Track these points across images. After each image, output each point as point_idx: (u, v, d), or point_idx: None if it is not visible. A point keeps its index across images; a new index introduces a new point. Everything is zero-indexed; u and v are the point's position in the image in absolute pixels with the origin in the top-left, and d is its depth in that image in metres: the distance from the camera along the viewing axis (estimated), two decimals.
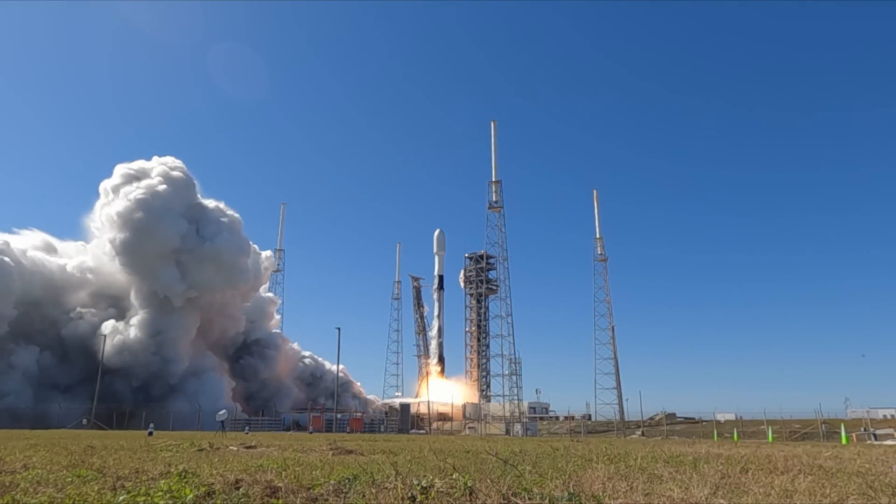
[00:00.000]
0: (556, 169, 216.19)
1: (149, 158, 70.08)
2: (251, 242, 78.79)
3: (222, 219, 70.71)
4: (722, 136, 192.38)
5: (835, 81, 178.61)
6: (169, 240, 63.03)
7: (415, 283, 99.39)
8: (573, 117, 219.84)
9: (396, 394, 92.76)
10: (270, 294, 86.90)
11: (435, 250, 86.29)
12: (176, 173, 69.94)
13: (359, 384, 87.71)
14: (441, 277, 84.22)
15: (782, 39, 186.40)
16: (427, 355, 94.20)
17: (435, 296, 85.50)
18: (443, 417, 70.39)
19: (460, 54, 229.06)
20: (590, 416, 78.96)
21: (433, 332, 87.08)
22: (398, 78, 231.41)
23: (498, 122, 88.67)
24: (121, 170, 67.11)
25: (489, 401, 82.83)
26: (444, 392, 77.73)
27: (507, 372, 79.26)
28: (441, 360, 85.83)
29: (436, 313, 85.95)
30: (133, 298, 63.84)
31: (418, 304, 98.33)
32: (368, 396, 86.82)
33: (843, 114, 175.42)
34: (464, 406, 75.48)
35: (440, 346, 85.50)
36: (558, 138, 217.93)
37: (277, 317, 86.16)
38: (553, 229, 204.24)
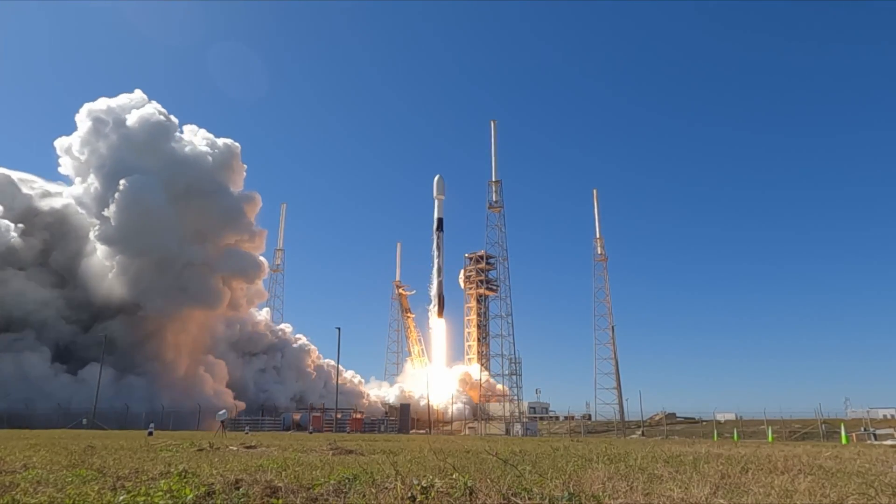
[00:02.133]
0: (556, 169, 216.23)
1: None
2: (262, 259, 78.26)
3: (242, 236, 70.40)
4: (723, 136, 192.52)
5: (837, 80, 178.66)
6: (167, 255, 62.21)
7: (400, 291, 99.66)
8: (573, 117, 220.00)
9: (374, 379, 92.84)
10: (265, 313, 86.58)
11: (435, 194, 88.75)
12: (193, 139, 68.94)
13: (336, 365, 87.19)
14: (441, 220, 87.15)
15: (785, 40, 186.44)
16: (421, 355, 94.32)
17: (435, 237, 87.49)
18: (442, 421, 70.21)
19: (461, 54, 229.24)
20: (590, 416, 79.02)
21: (433, 272, 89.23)
22: (398, 77, 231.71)
23: (498, 122, 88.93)
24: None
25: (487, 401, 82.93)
26: (442, 384, 78.17)
27: (507, 372, 79.37)
28: (440, 299, 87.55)
29: (435, 254, 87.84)
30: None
31: (404, 310, 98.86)
32: (324, 364, 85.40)
33: (845, 113, 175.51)
34: (469, 403, 74.79)
35: (440, 284, 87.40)
36: (558, 139, 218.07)
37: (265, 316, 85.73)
38: (553, 229, 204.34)
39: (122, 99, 69.02)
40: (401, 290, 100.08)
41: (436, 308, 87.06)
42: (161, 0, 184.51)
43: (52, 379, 56.75)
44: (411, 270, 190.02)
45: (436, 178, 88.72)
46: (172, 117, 70.87)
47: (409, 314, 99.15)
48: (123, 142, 64.88)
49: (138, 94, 70.01)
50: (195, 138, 72.23)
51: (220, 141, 73.37)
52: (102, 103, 67.35)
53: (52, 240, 64.74)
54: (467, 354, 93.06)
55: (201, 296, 64.24)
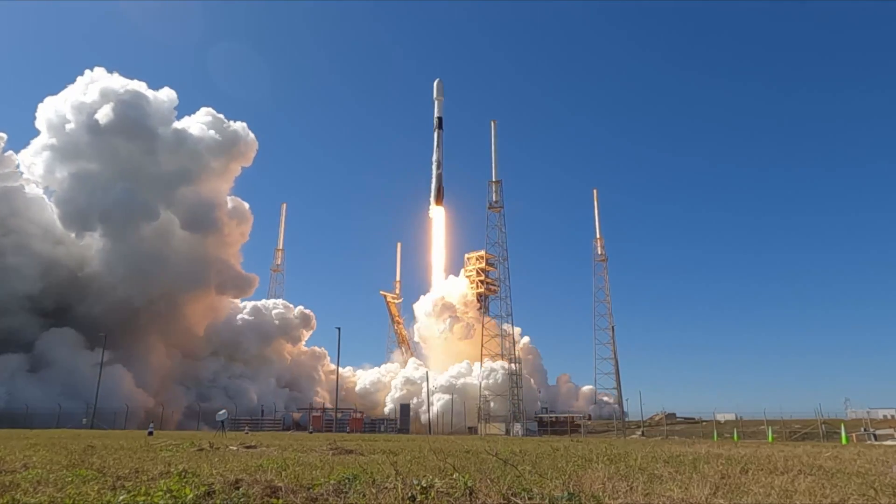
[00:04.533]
0: (556, 169, 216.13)
1: None
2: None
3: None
4: (724, 136, 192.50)
5: (843, 75, 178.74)
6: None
7: (388, 299, 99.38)
8: (573, 116, 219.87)
9: (364, 364, 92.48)
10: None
11: (435, 96, 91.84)
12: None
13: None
14: (440, 118, 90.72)
15: (788, 37, 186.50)
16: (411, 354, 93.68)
17: (435, 134, 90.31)
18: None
19: (461, 53, 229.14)
20: (590, 416, 78.99)
21: (433, 165, 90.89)
22: (398, 77, 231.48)
23: (498, 121, 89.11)
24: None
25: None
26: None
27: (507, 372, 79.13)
28: (439, 189, 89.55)
29: (435, 149, 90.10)
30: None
31: (392, 316, 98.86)
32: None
33: (851, 111, 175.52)
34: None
35: (439, 177, 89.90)
36: (558, 138, 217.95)
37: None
38: (553, 229, 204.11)
39: (79, 88, 65.82)
40: (388, 299, 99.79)
41: (434, 197, 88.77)
42: (161, 0, 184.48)
43: None
44: (412, 271, 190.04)
45: (436, 82, 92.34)
46: (167, 93, 68.71)
47: (398, 320, 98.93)
48: (92, 158, 63.38)
49: (85, 78, 66.99)
50: (193, 122, 70.69)
51: (221, 128, 71.89)
52: (59, 105, 64.27)
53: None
54: None
55: (182, 307, 64.34)
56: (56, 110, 64.99)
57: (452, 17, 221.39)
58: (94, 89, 65.34)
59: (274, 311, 79.68)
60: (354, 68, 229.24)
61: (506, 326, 75.24)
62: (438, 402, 68.72)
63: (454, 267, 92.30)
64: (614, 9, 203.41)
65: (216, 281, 69.17)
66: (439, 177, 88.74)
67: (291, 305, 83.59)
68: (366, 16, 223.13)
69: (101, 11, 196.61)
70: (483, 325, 75.49)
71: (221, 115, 73.73)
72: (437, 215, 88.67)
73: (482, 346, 72.37)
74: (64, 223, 63.36)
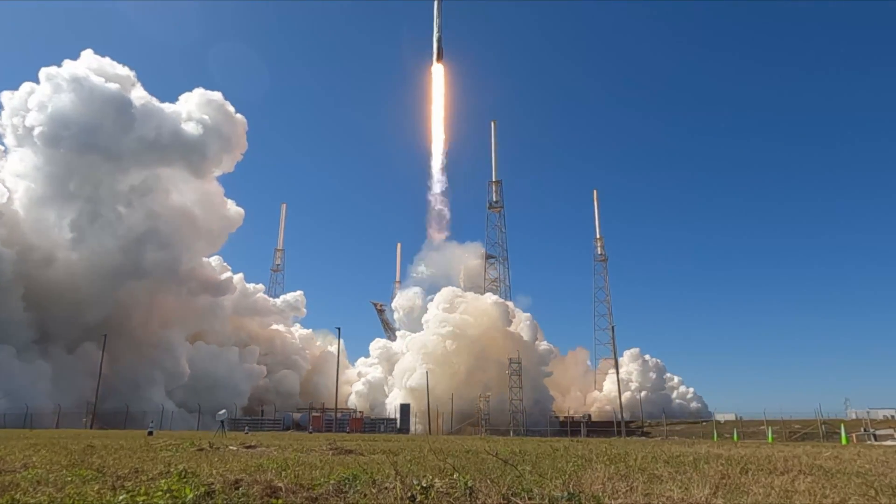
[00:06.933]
0: (556, 169, 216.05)
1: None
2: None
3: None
4: (723, 137, 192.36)
5: (839, 78, 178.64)
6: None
7: (378, 307, 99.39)
8: (574, 117, 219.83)
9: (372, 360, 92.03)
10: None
11: (435, 14, 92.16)
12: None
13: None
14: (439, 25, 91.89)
15: (788, 38, 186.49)
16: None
17: (435, 3, 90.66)
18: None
19: (460, 54, 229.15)
20: (590, 416, 79.01)
21: (434, 26, 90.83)
22: (397, 77, 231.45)
23: (498, 122, 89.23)
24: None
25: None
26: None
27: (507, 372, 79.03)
28: (440, 50, 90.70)
29: (435, 15, 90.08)
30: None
31: (384, 324, 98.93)
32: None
33: (848, 113, 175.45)
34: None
35: (439, 39, 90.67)
36: (558, 138, 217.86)
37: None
38: (553, 229, 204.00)
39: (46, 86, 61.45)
40: (378, 307, 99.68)
41: (435, 56, 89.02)
42: (161, 0, 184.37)
43: None
44: (412, 263, 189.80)
45: (436, 2, 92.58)
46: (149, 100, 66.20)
47: (390, 327, 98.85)
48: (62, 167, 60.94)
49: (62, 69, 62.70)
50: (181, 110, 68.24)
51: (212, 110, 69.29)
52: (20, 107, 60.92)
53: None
54: None
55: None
56: (15, 112, 62.10)
57: (453, 15, 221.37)
58: (62, 88, 61.87)
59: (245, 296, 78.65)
60: (355, 69, 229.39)
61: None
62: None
63: (455, 131, 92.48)
64: (614, 8, 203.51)
65: (186, 291, 67.41)
66: (439, 38, 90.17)
67: (267, 296, 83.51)
68: (366, 16, 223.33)
69: (101, 11, 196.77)
70: (486, 277, 75.10)
71: (201, 88, 71.23)
72: (437, 72, 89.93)
73: (484, 289, 72.04)
74: (29, 233, 61.59)
